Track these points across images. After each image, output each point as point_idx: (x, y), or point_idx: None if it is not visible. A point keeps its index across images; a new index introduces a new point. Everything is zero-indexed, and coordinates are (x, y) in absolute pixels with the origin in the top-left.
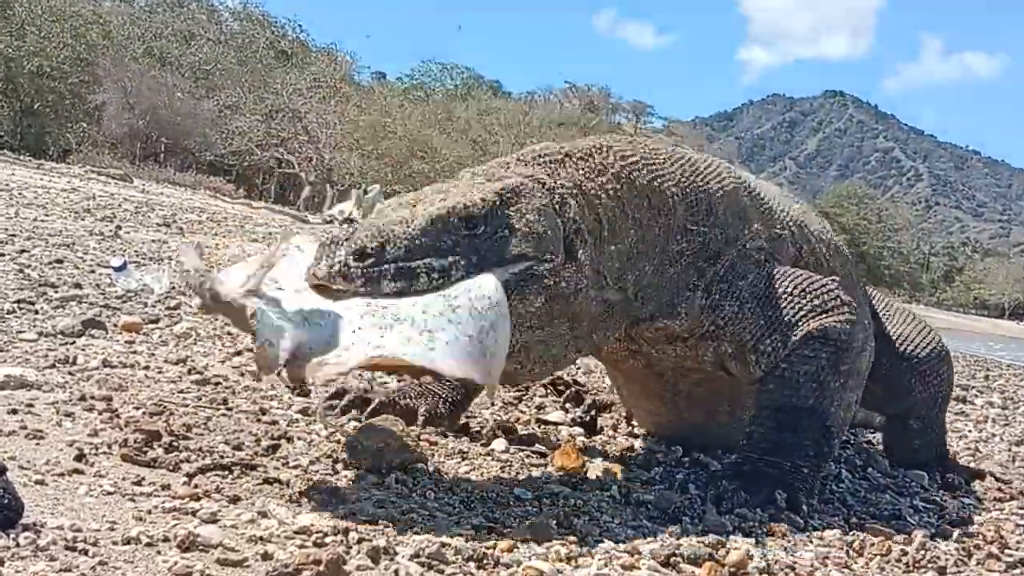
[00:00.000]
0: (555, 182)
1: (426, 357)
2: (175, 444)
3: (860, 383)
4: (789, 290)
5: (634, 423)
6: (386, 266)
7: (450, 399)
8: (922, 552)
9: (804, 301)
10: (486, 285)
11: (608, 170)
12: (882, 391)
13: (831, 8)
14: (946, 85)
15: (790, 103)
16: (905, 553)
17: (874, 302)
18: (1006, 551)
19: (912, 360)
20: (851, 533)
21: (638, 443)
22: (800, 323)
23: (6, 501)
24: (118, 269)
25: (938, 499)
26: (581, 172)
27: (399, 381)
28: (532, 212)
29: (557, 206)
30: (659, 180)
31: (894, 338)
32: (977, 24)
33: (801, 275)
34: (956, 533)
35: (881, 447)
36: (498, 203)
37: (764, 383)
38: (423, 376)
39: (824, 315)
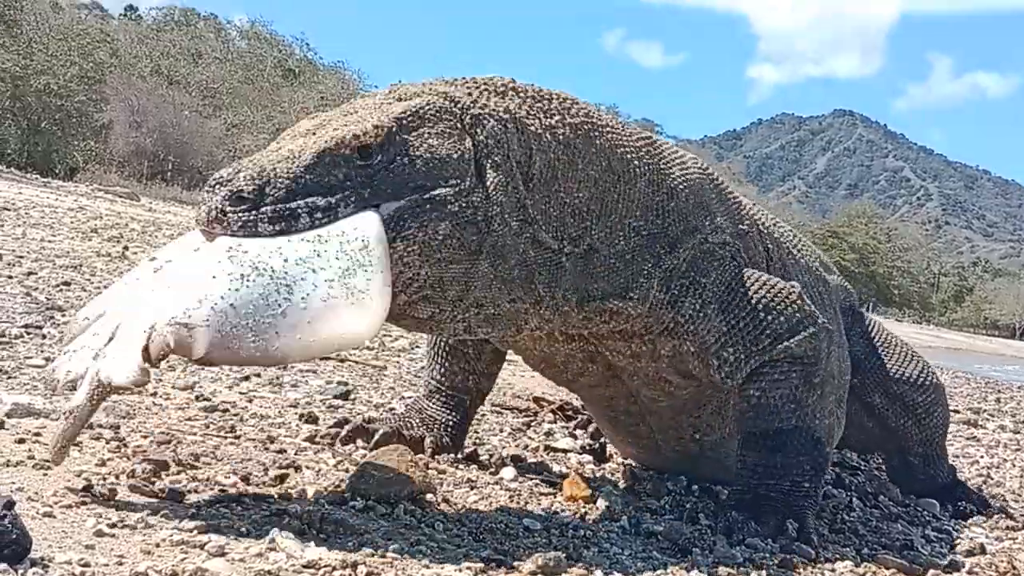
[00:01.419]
0: (474, 102)
1: (266, 337)
2: (183, 474)
3: (837, 384)
4: (753, 302)
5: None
6: (264, 209)
7: (450, 423)
8: None
9: (769, 318)
10: (363, 227)
11: (565, 117)
12: (878, 429)
13: (841, 27)
14: (956, 105)
15: (799, 122)
16: None
17: (872, 332)
18: None
19: (906, 401)
20: (863, 565)
21: (647, 471)
22: (765, 340)
23: (14, 536)
24: None
25: (950, 529)
26: (524, 107)
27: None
28: (435, 136)
29: (469, 126)
30: (622, 149)
31: (889, 376)
32: (988, 44)
33: (765, 284)
34: (968, 564)
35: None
36: (395, 129)
37: (742, 410)
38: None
39: (789, 334)
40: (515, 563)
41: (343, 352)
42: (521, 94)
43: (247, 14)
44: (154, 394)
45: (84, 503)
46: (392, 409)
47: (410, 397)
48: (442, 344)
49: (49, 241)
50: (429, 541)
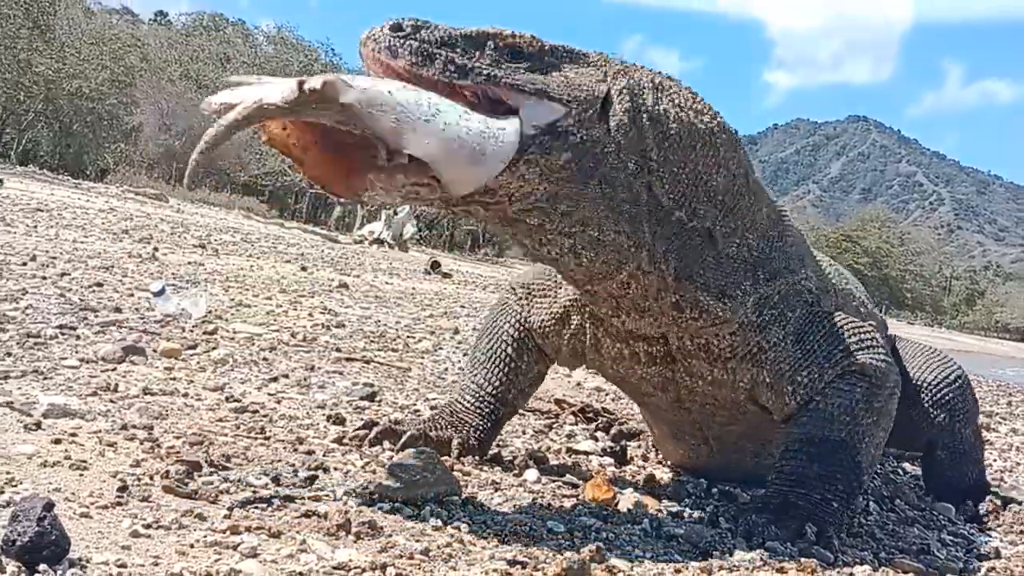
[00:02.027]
0: (623, 66)
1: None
2: (215, 475)
3: (889, 425)
4: (828, 328)
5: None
6: (410, 41)
7: (480, 428)
8: None
9: (844, 336)
10: (507, 128)
11: (716, 118)
12: (898, 428)
13: (856, 33)
14: (969, 111)
15: (814, 127)
16: None
17: None
18: None
19: (917, 393)
20: (880, 569)
21: (668, 474)
22: (837, 357)
23: (54, 537)
24: (157, 294)
25: (966, 533)
26: (675, 88)
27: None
28: (575, 71)
29: (611, 76)
30: (756, 177)
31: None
32: (1000, 51)
33: (842, 315)
34: (985, 568)
35: (908, 478)
36: (548, 49)
37: (797, 416)
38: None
39: (861, 351)
40: (540, 565)
41: (436, 187)
42: (675, 83)
43: (274, 20)
44: (186, 395)
45: (120, 503)
46: (417, 411)
47: (434, 399)
48: (493, 351)
49: (81, 242)
50: (456, 543)
